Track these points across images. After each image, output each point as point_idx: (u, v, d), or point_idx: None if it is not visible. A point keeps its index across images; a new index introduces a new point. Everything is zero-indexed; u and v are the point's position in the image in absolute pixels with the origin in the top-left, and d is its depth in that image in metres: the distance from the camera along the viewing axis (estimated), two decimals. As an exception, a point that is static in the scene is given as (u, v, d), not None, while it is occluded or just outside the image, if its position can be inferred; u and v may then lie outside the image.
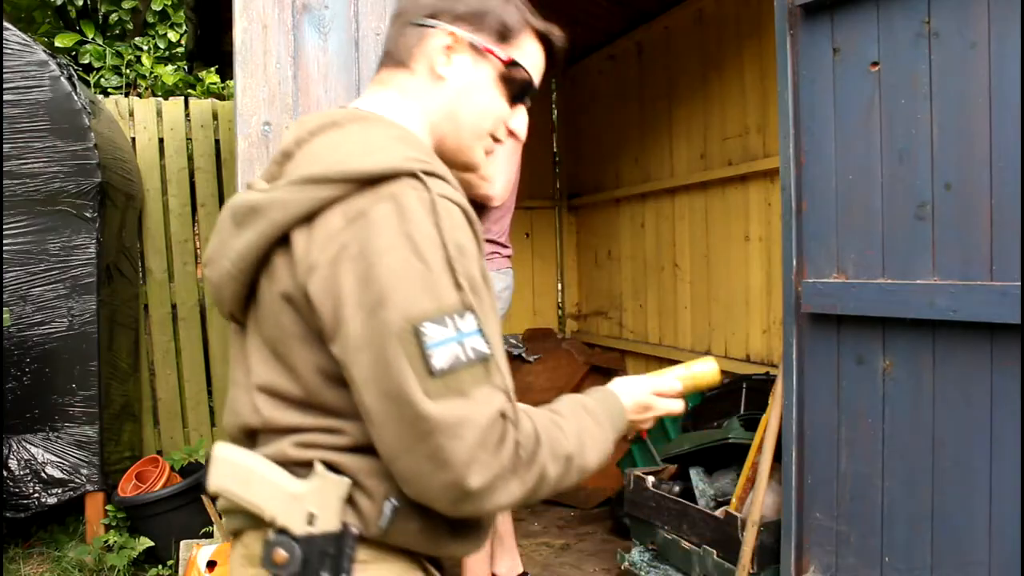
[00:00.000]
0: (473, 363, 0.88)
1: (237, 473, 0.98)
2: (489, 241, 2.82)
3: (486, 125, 1.12)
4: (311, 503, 0.93)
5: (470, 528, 1.01)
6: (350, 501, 0.93)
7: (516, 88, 1.12)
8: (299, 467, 0.95)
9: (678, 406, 1.28)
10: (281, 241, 0.95)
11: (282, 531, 0.93)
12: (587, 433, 1.05)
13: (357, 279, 0.89)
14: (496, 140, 1.15)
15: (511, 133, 1.16)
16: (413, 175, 0.93)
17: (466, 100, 1.11)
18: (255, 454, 0.98)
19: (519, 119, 1.16)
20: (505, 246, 2.89)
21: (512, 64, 1.11)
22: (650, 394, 1.25)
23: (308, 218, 0.93)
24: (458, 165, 1.14)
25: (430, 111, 1.11)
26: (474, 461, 0.86)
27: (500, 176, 2.71)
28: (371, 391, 0.88)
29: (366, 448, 0.92)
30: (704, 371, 1.33)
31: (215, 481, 0.99)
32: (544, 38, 1.15)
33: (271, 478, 0.95)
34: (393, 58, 1.13)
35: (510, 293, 2.88)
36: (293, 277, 0.93)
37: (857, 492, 2.11)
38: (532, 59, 1.14)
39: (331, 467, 0.93)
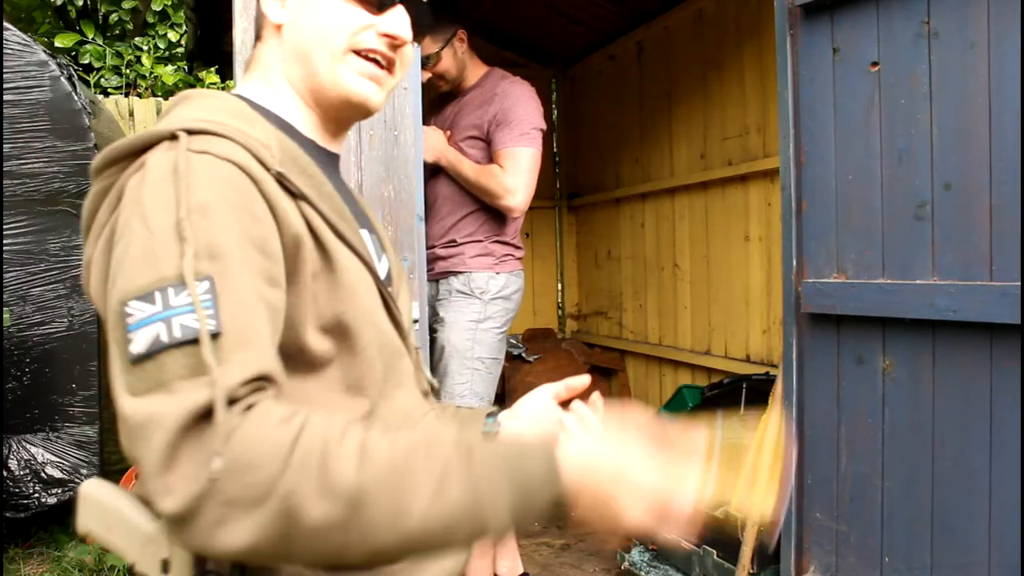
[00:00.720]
0: (181, 345, 0.69)
1: (100, 513, 0.86)
2: (502, 243, 2.82)
3: (335, 42, 0.95)
4: (164, 547, 0.78)
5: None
6: None
7: None
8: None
9: (687, 491, 0.74)
10: None
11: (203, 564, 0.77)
12: (427, 475, 0.68)
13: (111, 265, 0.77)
14: (370, 58, 0.98)
15: (389, 41, 0.99)
16: (172, 137, 0.80)
17: (303, 29, 0.96)
18: (122, 491, 0.86)
19: (391, 20, 0.98)
20: (518, 247, 2.88)
21: None
22: (631, 458, 0.74)
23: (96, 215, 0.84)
24: (342, 108, 0.99)
25: (283, 68, 0.98)
26: (169, 472, 0.65)
27: (523, 188, 2.72)
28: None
29: None
30: (762, 495, 0.80)
31: (81, 522, 0.87)
32: None
33: (129, 519, 0.82)
34: (256, 36, 1.04)
35: (520, 295, 2.88)
36: (84, 282, 0.84)
37: (857, 492, 2.11)
38: None
39: None
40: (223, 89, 5.53)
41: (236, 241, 0.75)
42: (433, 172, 2.85)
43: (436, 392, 1.07)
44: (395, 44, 0.99)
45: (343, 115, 1.01)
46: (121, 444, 0.70)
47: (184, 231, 0.72)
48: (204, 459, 0.65)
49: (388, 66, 1.00)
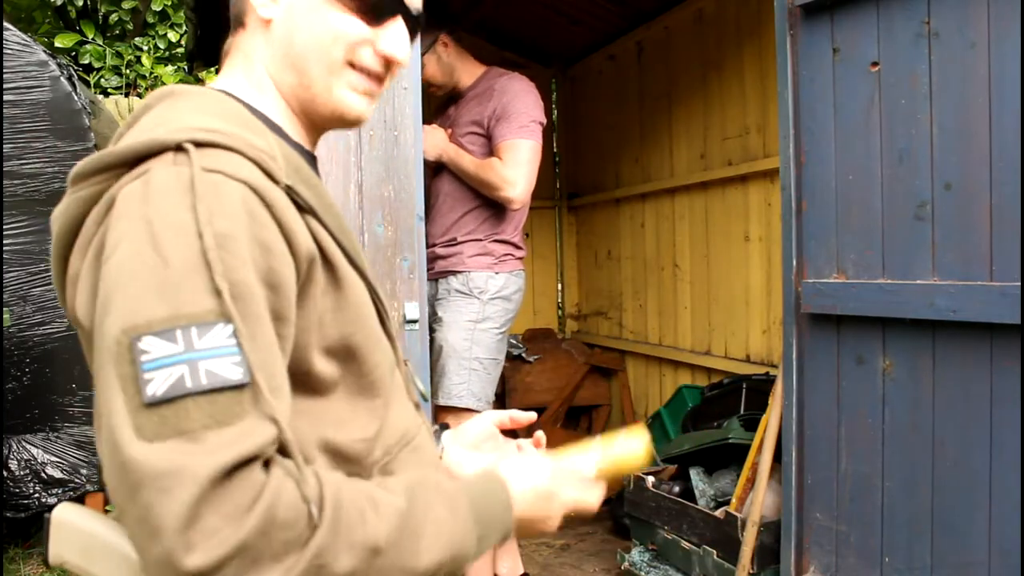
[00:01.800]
0: (208, 393, 0.65)
1: (78, 540, 0.80)
2: (503, 242, 2.82)
3: (333, 54, 0.90)
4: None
5: None
6: None
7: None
8: None
9: (594, 497, 0.99)
10: None
11: None
12: (425, 520, 0.76)
13: (101, 284, 0.70)
14: (363, 71, 0.93)
15: (385, 60, 0.94)
16: (178, 148, 0.73)
17: (298, 34, 0.90)
18: (100, 516, 0.81)
19: (390, 38, 0.93)
20: (519, 247, 2.88)
21: None
22: (556, 481, 0.95)
23: (79, 225, 0.76)
24: (331, 120, 0.95)
25: (270, 67, 0.92)
26: (193, 528, 0.61)
27: (522, 179, 2.72)
28: (97, 426, 0.67)
29: None
30: (630, 452, 1.07)
31: (55, 552, 0.81)
32: None
33: (113, 546, 0.77)
34: (234, 22, 0.96)
35: (521, 295, 2.88)
36: (69, 298, 0.77)
37: (857, 492, 2.11)
38: None
39: None
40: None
41: (255, 278, 0.70)
42: (436, 171, 2.86)
43: (426, 400, 1.05)
44: (390, 64, 0.94)
45: (329, 126, 0.97)
46: (109, 488, 0.65)
47: (212, 265, 0.67)
48: (234, 516, 0.63)
49: (381, 79, 0.96)
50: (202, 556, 0.61)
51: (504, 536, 0.89)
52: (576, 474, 1.00)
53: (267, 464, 0.68)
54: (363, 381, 0.87)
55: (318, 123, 0.96)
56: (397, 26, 0.94)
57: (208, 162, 0.72)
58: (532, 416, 1.20)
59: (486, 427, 1.19)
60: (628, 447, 1.08)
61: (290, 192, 0.78)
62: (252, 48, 0.93)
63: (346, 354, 0.84)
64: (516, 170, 2.71)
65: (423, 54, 2.76)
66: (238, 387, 0.66)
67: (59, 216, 0.78)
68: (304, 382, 0.80)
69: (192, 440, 0.63)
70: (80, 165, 0.76)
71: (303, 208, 0.80)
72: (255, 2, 0.91)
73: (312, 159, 0.99)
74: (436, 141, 2.78)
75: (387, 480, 0.79)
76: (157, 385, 0.64)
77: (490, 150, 2.78)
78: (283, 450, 0.69)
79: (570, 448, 1.07)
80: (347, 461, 0.84)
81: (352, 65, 0.92)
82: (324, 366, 0.81)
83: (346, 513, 0.70)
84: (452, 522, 0.79)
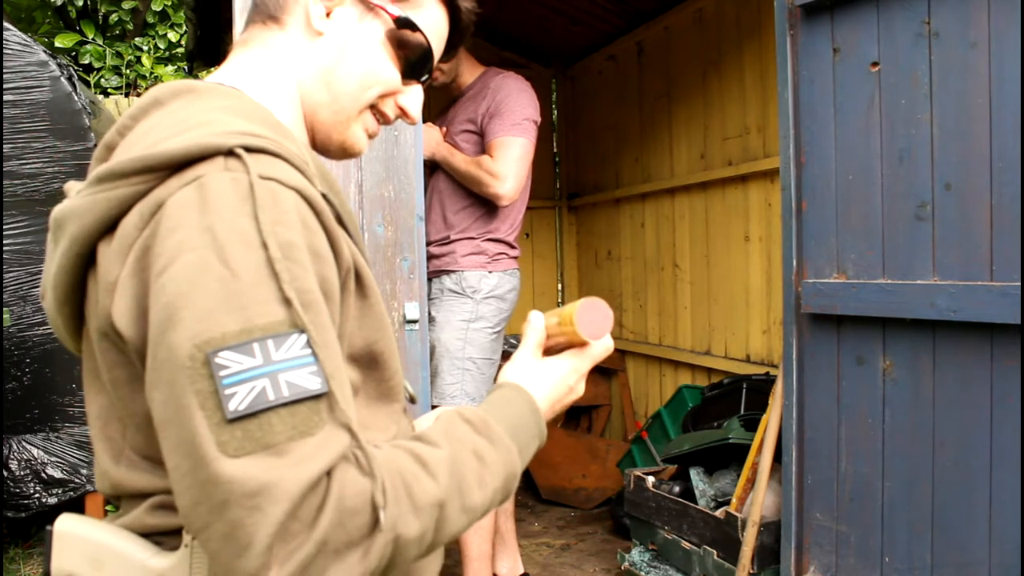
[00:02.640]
0: (290, 405, 0.65)
1: (86, 551, 0.78)
2: (496, 240, 2.82)
3: (369, 93, 0.92)
4: None
5: None
6: None
7: (410, 54, 0.93)
8: (165, 536, 0.76)
9: (604, 347, 0.98)
10: (92, 260, 0.75)
11: None
12: (471, 458, 0.79)
13: (153, 294, 0.68)
14: (382, 118, 0.97)
15: (402, 112, 0.97)
16: (230, 153, 0.71)
17: (346, 62, 0.91)
18: (109, 525, 0.79)
19: (411, 96, 0.97)
20: (513, 246, 2.88)
21: (406, 23, 0.91)
22: (557, 360, 0.97)
23: (111, 226, 0.73)
24: (334, 148, 0.96)
25: (303, 76, 0.91)
26: (280, 542, 0.62)
27: (511, 176, 2.72)
28: (165, 443, 0.66)
29: None
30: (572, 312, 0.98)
31: (58, 565, 0.79)
32: (449, 1, 0.96)
33: (127, 554, 0.76)
34: (262, 11, 0.93)
35: (516, 295, 2.88)
36: (102, 305, 0.73)
37: (857, 492, 2.11)
38: (432, 23, 0.94)
39: None
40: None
41: (315, 286, 0.70)
42: (432, 170, 2.86)
43: (413, 402, 1.06)
44: (401, 117, 0.98)
45: (328, 152, 0.97)
46: (185, 504, 0.64)
47: (281, 275, 0.67)
48: (311, 519, 0.64)
49: (388, 123, 0.99)
50: (290, 566, 0.63)
51: (541, 438, 0.91)
52: (567, 334, 0.97)
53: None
54: (383, 387, 0.87)
55: (319, 144, 0.96)
56: (418, 89, 0.98)
57: (262, 169, 0.71)
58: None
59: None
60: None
61: (326, 199, 0.78)
62: (284, 49, 0.91)
63: (369, 360, 0.84)
64: (506, 166, 2.71)
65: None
66: (317, 397, 0.67)
67: (79, 214, 0.73)
68: None
69: (278, 454, 0.64)
70: (116, 164, 0.72)
71: (337, 216, 0.80)
72: (312, 11, 0.90)
73: None
74: (429, 140, 2.78)
75: (424, 432, 0.80)
76: (239, 400, 0.64)
77: (483, 148, 2.78)
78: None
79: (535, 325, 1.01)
80: None
81: (372, 107, 0.95)
82: (349, 373, 0.80)
83: (404, 481, 0.71)
84: (493, 450, 0.81)
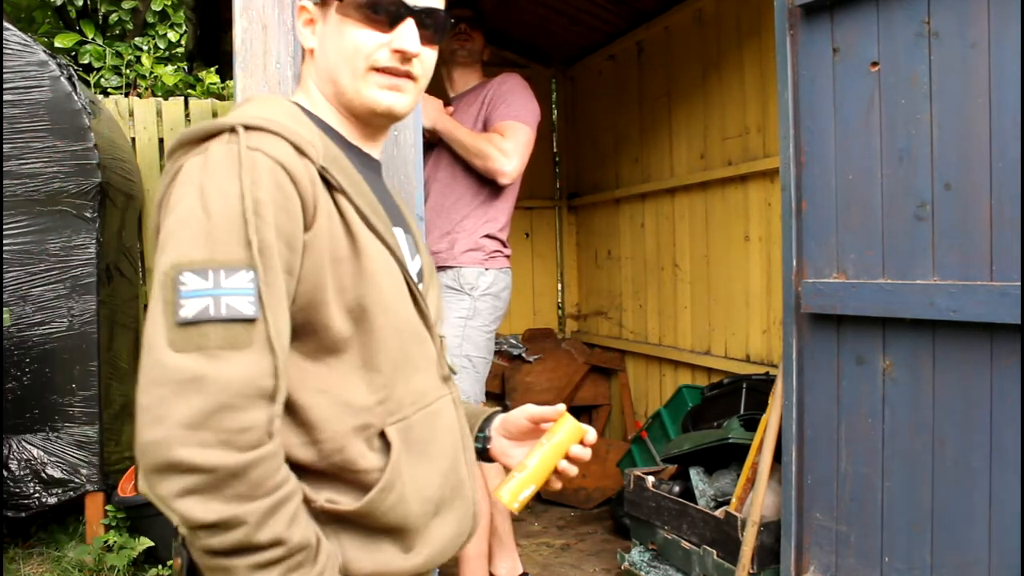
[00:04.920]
0: (225, 322, 0.83)
1: None
2: (492, 238, 2.81)
3: (354, 63, 1.08)
4: None
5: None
6: None
7: (371, 11, 1.07)
8: None
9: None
10: None
11: (182, 536, 0.88)
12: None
13: (161, 230, 0.91)
14: (384, 71, 1.09)
15: (399, 54, 1.09)
16: (232, 130, 0.92)
17: (328, 53, 1.10)
18: None
19: (400, 36, 1.08)
20: (506, 245, 2.88)
21: None
22: None
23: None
24: (365, 113, 1.12)
25: (320, 85, 1.13)
26: (194, 429, 0.80)
27: (516, 156, 2.72)
28: (143, 339, 0.87)
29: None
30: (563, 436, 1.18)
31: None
32: None
33: None
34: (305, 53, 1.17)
35: (509, 293, 2.87)
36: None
37: (857, 492, 2.11)
38: None
39: None
40: (222, 88, 5.54)
41: (275, 237, 0.88)
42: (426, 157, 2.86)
43: (454, 373, 1.20)
44: (406, 57, 1.09)
45: (375, 122, 1.14)
46: (139, 383, 0.83)
47: (248, 224, 0.86)
48: (227, 444, 0.80)
49: (407, 74, 1.10)
50: (187, 454, 0.79)
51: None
52: None
53: (270, 435, 0.85)
54: (370, 350, 1.00)
55: (363, 119, 1.14)
56: (407, 26, 1.09)
57: (252, 142, 0.91)
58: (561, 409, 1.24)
59: (522, 423, 1.25)
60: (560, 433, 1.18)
61: (323, 172, 0.97)
62: (308, 71, 1.15)
63: (360, 312, 0.98)
64: (514, 144, 2.73)
65: (476, 28, 2.93)
66: (250, 320, 0.85)
67: (159, 187, 0.97)
68: (324, 337, 0.96)
69: (208, 356, 0.82)
70: (171, 144, 0.97)
71: (333, 187, 0.98)
72: (301, 38, 1.13)
73: (369, 159, 1.19)
74: (430, 109, 2.77)
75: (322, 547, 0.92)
76: (188, 310, 0.83)
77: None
78: (275, 394, 0.86)
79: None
80: (349, 407, 0.98)
81: (376, 68, 1.09)
82: (342, 323, 0.97)
83: (282, 510, 0.85)
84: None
